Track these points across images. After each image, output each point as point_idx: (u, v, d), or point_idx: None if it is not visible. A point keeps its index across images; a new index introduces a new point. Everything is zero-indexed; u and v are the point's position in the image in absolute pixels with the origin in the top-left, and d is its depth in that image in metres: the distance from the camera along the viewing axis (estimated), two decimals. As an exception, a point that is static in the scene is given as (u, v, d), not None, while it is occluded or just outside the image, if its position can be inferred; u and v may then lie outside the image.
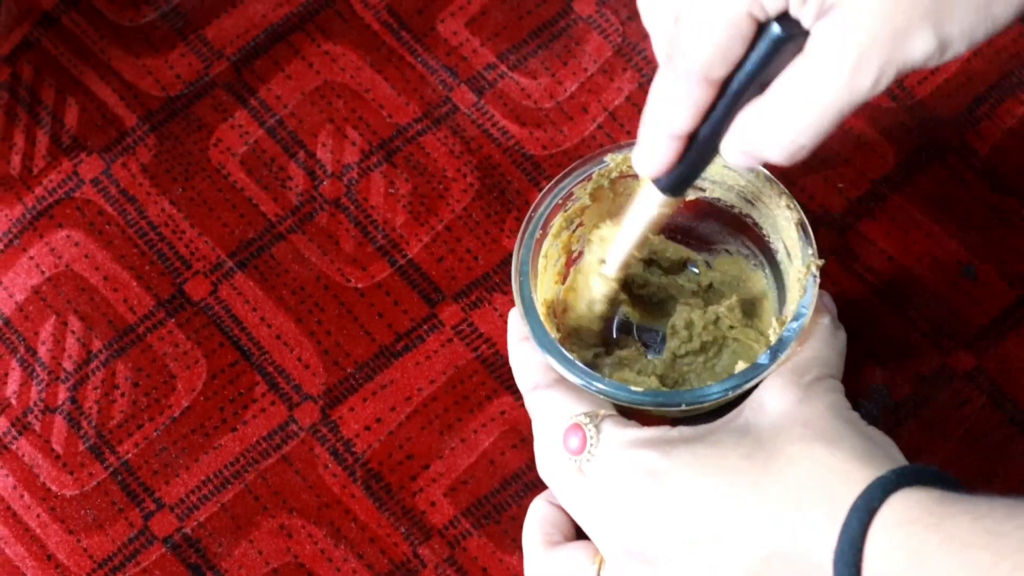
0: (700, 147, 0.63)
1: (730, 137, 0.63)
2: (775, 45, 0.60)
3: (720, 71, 0.61)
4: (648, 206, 0.67)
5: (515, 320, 0.73)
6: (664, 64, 0.63)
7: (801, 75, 0.60)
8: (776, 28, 0.60)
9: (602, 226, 0.73)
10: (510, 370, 0.73)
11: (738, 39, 0.60)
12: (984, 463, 0.75)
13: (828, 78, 0.59)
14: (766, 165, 0.67)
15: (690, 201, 0.75)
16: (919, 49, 0.59)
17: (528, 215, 0.72)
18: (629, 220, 0.69)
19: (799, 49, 0.60)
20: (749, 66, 0.61)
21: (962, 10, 0.59)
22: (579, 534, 0.70)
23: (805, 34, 0.60)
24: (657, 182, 0.66)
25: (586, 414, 0.67)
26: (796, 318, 0.68)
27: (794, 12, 0.60)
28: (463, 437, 0.76)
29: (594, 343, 0.74)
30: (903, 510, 0.58)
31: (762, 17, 0.60)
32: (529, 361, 0.71)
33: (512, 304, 0.76)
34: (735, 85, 0.61)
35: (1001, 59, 0.82)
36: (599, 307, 0.73)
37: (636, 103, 0.82)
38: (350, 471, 0.76)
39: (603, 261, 0.72)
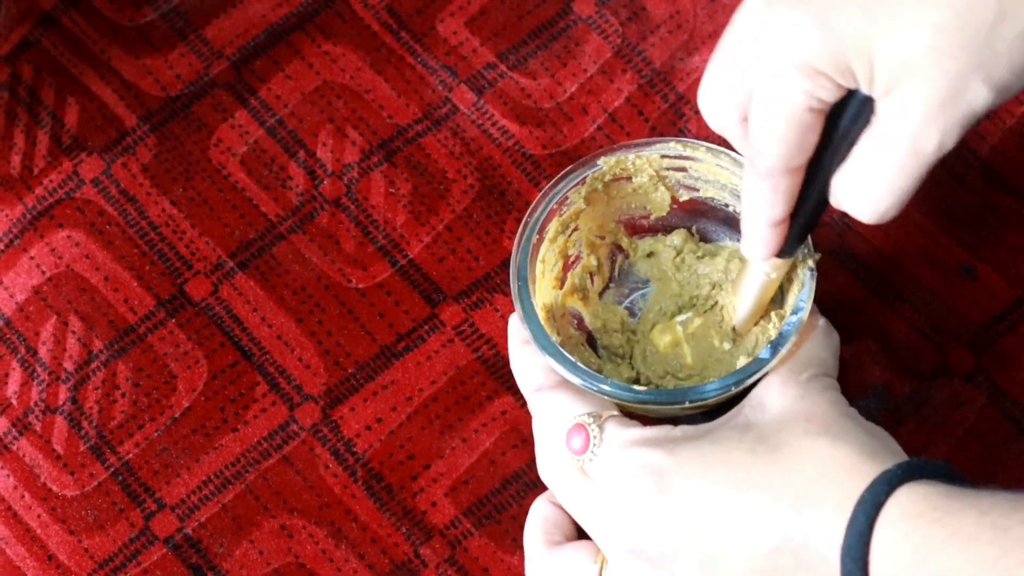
0: (803, 218, 0.66)
1: (831, 198, 0.65)
2: (852, 120, 0.62)
3: (799, 160, 0.63)
4: (760, 271, 0.70)
5: (515, 325, 0.73)
6: (747, 165, 0.65)
7: (870, 148, 0.62)
8: (852, 109, 0.61)
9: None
10: (511, 370, 0.73)
11: (807, 132, 0.62)
12: (983, 463, 0.75)
13: (893, 151, 0.61)
14: None
15: (685, 201, 0.75)
16: (978, 102, 0.59)
17: (524, 220, 0.72)
18: (747, 287, 0.71)
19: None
20: (829, 145, 0.63)
21: (1007, 52, 0.59)
22: (580, 534, 0.70)
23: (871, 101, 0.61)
24: None
25: (589, 414, 0.67)
26: (795, 312, 0.68)
27: (853, 86, 0.61)
28: (464, 437, 0.77)
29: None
30: (909, 504, 0.59)
31: (823, 107, 0.61)
32: (531, 364, 0.71)
33: (513, 306, 0.77)
34: (823, 162, 0.63)
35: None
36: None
37: (635, 104, 0.82)
38: (351, 471, 0.76)
39: (735, 329, 0.73)
